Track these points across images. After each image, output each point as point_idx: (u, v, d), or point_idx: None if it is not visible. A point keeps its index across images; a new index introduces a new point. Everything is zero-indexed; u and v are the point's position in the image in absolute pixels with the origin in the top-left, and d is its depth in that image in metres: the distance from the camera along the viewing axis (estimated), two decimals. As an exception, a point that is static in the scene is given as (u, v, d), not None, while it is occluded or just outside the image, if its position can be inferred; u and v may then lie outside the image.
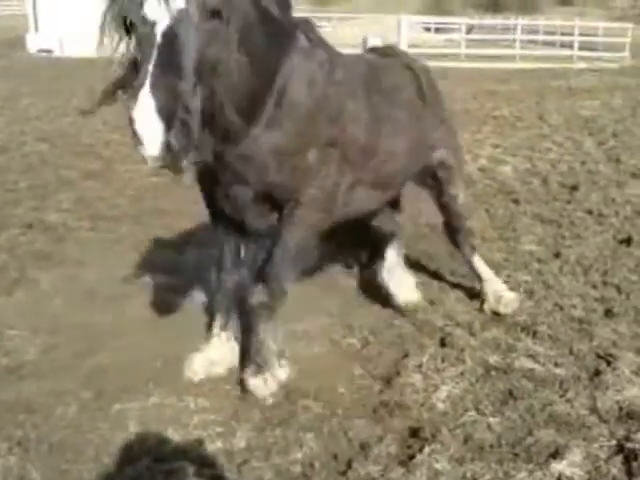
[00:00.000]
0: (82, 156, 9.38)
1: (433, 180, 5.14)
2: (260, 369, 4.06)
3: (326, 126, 3.89)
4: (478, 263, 5.35)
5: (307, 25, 4.04)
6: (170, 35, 2.85)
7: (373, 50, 5.21)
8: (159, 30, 2.85)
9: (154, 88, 2.76)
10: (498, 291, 5.16)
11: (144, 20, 2.90)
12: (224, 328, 4.38)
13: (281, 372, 4.10)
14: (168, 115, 2.76)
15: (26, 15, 26.97)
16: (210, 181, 3.88)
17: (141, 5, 2.89)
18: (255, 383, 4.04)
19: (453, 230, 5.34)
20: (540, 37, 36.75)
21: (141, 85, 2.78)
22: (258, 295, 3.97)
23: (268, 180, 3.76)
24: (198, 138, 2.92)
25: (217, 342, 4.38)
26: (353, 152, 4.10)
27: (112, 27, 3.01)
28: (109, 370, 4.30)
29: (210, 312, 4.60)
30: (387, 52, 5.10)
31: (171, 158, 2.82)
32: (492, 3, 64.70)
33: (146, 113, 2.74)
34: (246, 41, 3.32)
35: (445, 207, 5.24)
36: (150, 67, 2.81)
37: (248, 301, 4.05)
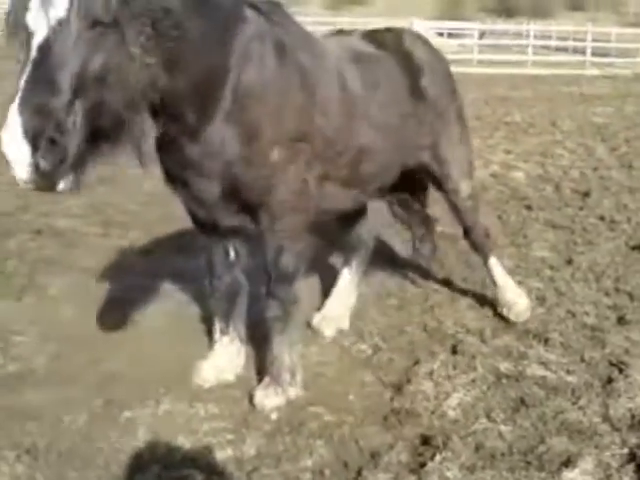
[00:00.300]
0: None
1: (429, 176, 4.96)
2: (271, 382, 4.04)
3: (291, 118, 3.67)
4: (494, 267, 5.20)
5: (269, 7, 3.77)
6: (46, 47, 2.62)
7: (370, 34, 4.69)
8: (35, 42, 2.64)
9: (23, 106, 2.54)
10: (511, 299, 5.08)
11: (26, 30, 2.69)
12: (225, 332, 4.34)
13: (291, 390, 4.06)
14: (37, 135, 2.54)
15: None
16: (178, 182, 3.79)
17: (26, 13, 2.68)
18: (263, 396, 4.02)
19: (465, 230, 5.19)
20: (553, 43, 36.70)
21: (11, 102, 2.58)
22: (272, 309, 3.97)
23: (231, 178, 3.60)
24: (78, 157, 2.71)
25: (220, 347, 4.36)
26: (322, 146, 3.88)
27: (8, 34, 2.78)
28: (119, 377, 4.29)
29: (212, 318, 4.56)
30: (384, 38, 4.64)
31: (42, 181, 2.60)
32: (504, 8, 64.66)
33: (12, 133, 2.53)
34: (164, 41, 3.01)
35: (450, 203, 5.07)
36: (22, 83, 2.60)
37: (263, 315, 4.04)
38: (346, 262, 5.23)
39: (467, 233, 5.20)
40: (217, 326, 4.36)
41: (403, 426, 3.81)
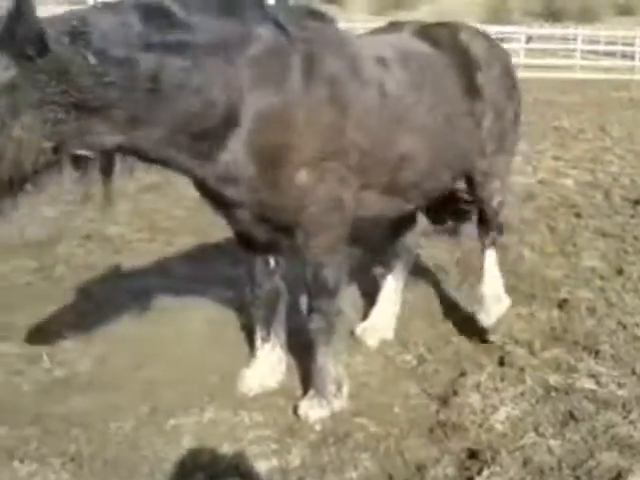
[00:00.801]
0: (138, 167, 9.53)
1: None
2: (316, 394, 4.02)
3: (318, 137, 3.50)
4: (488, 258, 4.99)
5: (296, 17, 3.59)
6: None
7: (424, 29, 4.45)
8: None
9: None
10: (487, 295, 4.91)
11: None
12: (266, 339, 4.34)
13: (336, 402, 4.01)
14: None
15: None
16: (211, 201, 3.79)
17: None
18: (308, 407, 4.00)
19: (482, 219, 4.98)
20: (601, 47, 36.19)
21: None
22: (315, 321, 3.93)
23: (258, 202, 3.55)
24: None
25: (262, 355, 4.36)
26: (357, 158, 3.70)
27: None
28: (164, 384, 4.29)
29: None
30: (438, 34, 4.40)
31: None
32: (551, 12, 63.87)
33: None
34: (108, 110, 2.98)
35: (477, 206, 4.91)
36: None
37: (306, 326, 4.01)
38: (389, 269, 5.15)
39: (483, 220, 4.98)
40: (258, 334, 4.36)
41: (449, 439, 3.75)
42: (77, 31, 2.85)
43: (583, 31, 35.34)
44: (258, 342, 4.36)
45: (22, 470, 3.49)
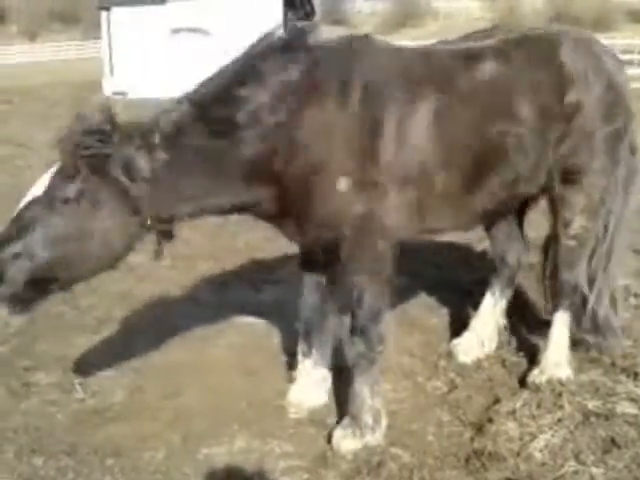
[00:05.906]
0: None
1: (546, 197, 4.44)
2: (350, 423, 3.94)
3: (352, 155, 3.60)
4: (558, 321, 4.50)
5: (340, 44, 3.79)
6: (20, 214, 3.31)
7: (513, 41, 4.10)
8: (19, 207, 3.33)
9: None
10: (552, 361, 4.45)
11: None
12: (307, 355, 4.35)
13: (372, 435, 3.90)
14: None
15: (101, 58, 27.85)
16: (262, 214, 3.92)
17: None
18: (341, 437, 3.93)
19: (553, 270, 4.52)
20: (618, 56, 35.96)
21: None
22: (357, 345, 3.86)
23: (297, 213, 3.70)
24: (15, 295, 3.35)
25: (303, 371, 4.38)
26: (399, 174, 3.69)
27: None
28: (195, 412, 4.31)
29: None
30: (529, 45, 4.07)
31: None
32: (564, 21, 63.62)
33: None
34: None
35: (552, 232, 4.49)
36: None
37: (347, 352, 3.97)
38: (489, 286, 5.02)
39: (553, 275, 4.53)
40: (300, 349, 4.38)
41: (487, 469, 3.64)
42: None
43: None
44: (299, 357, 4.39)
45: (61, 501, 3.55)
